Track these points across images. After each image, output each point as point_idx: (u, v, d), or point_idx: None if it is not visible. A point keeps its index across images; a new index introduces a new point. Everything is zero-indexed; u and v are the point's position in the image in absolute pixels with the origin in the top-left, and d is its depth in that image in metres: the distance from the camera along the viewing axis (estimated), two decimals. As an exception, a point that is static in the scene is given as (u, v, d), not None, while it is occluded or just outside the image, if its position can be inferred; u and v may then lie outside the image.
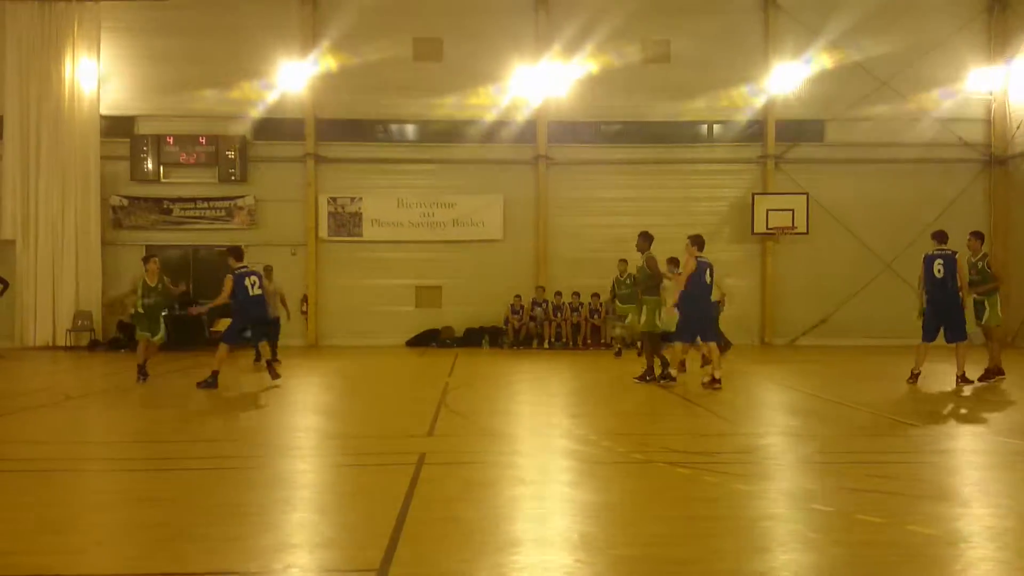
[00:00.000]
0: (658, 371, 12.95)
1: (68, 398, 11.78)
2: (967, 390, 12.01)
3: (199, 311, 14.52)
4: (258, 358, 15.77)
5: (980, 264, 12.86)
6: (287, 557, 4.54)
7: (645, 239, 13.03)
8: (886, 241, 22.68)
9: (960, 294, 12.18)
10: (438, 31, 22.91)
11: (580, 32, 22.39)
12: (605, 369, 15.86)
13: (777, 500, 5.80)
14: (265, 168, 22.86)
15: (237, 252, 13.06)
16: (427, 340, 22.37)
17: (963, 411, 10.59)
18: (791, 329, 23.16)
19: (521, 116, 22.80)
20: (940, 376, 13.03)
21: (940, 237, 12.51)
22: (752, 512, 5.49)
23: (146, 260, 13.54)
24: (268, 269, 16.32)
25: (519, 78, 22.58)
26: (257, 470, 6.99)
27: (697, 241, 12.40)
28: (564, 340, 21.74)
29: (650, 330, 13.04)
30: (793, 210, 22.40)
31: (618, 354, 18.45)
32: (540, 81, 22.49)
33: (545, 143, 22.92)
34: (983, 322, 12.88)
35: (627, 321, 16.27)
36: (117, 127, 22.68)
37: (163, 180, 22.67)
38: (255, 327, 13.05)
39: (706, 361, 13.62)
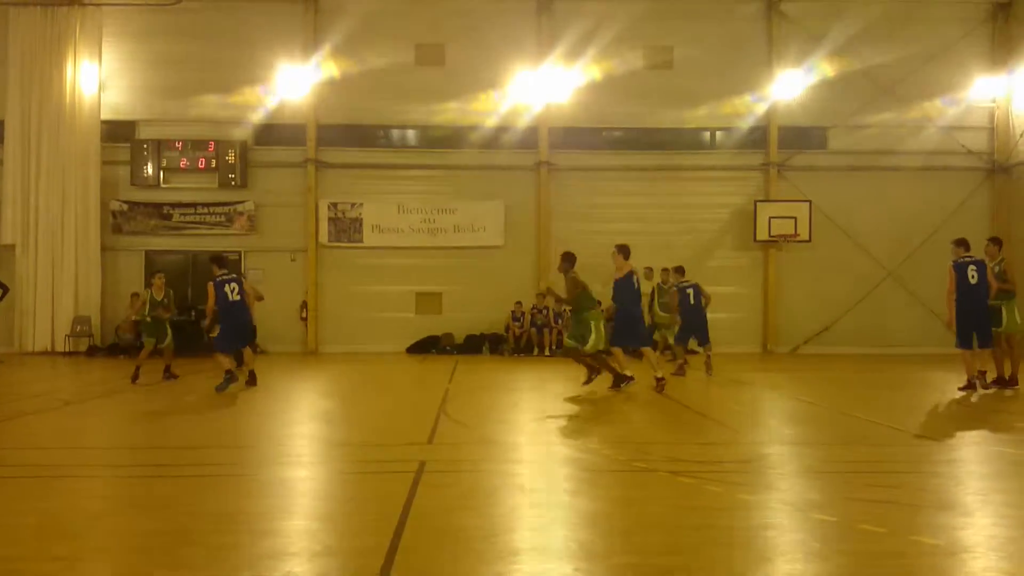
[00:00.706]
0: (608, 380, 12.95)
1: (67, 403, 11.76)
2: (974, 398, 11.98)
3: (208, 327, 14.79)
4: (240, 363, 15.82)
5: (997, 269, 12.92)
6: (286, 565, 4.50)
7: (567, 260, 12.95)
8: (889, 249, 22.65)
9: (988, 300, 12.33)
10: (440, 37, 22.89)
11: (582, 38, 22.37)
12: (606, 376, 15.75)
13: (779, 509, 5.75)
14: (265, 173, 22.83)
15: (220, 260, 13.50)
16: (427, 347, 22.32)
17: (968, 420, 10.54)
18: (794, 337, 23.09)
19: (523, 122, 22.76)
20: (945, 386, 12.98)
21: (965, 244, 12.63)
22: (754, 521, 5.44)
23: (152, 276, 14.76)
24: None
25: (521, 84, 22.53)
26: (255, 477, 6.95)
27: (623, 250, 12.82)
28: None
29: (596, 348, 12.92)
30: (796, 218, 22.36)
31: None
32: (542, 87, 22.45)
33: (547, 149, 22.89)
34: (1001, 329, 12.87)
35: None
36: (118, 132, 22.67)
37: (163, 185, 22.66)
38: (240, 332, 13.19)
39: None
